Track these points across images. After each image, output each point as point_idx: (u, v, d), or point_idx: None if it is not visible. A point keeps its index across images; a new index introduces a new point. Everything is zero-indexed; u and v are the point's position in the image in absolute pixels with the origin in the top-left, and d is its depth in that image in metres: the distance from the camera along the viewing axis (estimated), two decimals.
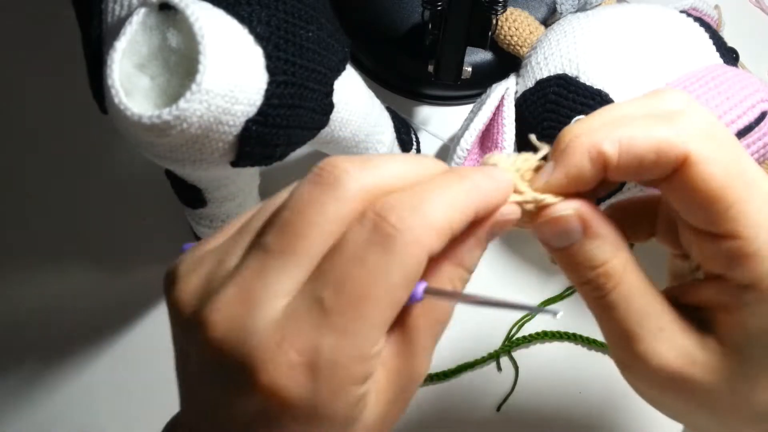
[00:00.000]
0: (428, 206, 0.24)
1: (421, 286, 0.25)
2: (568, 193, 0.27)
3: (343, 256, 0.23)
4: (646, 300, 0.27)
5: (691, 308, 0.28)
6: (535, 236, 0.29)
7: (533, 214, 0.28)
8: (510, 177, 0.27)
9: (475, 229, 0.26)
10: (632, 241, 0.32)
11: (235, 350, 0.23)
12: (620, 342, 0.28)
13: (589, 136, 0.26)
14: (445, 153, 0.63)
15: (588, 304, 0.29)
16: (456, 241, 0.25)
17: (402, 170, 0.25)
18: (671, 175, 0.26)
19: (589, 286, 0.28)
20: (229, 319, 0.23)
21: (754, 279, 0.25)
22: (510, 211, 0.27)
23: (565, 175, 0.27)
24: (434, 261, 0.25)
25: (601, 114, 0.28)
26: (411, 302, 0.25)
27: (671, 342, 0.27)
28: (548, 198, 0.27)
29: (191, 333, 0.24)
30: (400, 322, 0.26)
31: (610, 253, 0.27)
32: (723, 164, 0.25)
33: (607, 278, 0.27)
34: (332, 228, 0.24)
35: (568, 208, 0.27)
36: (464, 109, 0.65)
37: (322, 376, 0.22)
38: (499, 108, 0.52)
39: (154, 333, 0.58)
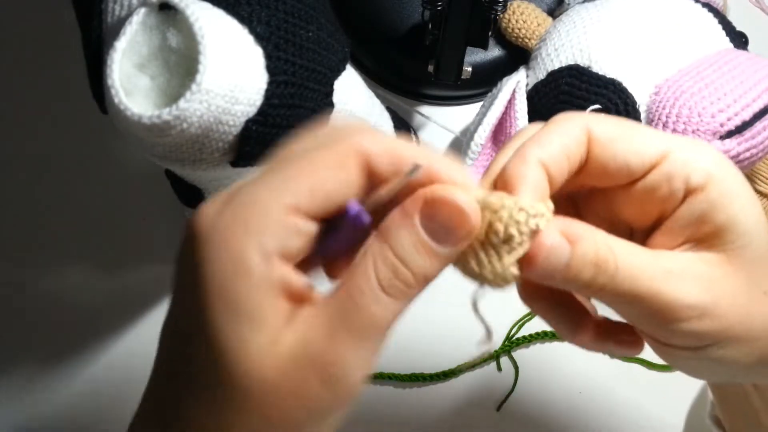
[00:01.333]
0: (379, 131, 0.26)
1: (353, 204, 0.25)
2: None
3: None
4: (641, 256, 0.27)
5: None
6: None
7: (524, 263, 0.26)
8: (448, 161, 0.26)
9: (402, 205, 0.25)
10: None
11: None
12: (649, 308, 0.27)
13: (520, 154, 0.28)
14: (457, 146, 0.63)
15: (602, 299, 0.28)
16: (388, 217, 0.25)
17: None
18: (588, 151, 0.28)
19: (595, 282, 0.27)
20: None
21: (702, 178, 0.27)
22: (443, 191, 0.25)
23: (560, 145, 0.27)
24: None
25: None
26: (351, 216, 0.25)
27: (684, 275, 0.27)
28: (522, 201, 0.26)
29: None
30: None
31: (593, 239, 0.27)
32: (613, 122, 0.28)
33: (605, 263, 0.26)
34: None
35: (552, 235, 0.26)
36: (464, 109, 0.65)
37: (228, 208, 0.24)
38: (511, 102, 0.52)
39: (154, 332, 0.58)
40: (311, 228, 0.25)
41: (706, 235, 0.27)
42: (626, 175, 0.28)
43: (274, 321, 0.24)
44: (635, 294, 0.26)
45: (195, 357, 0.25)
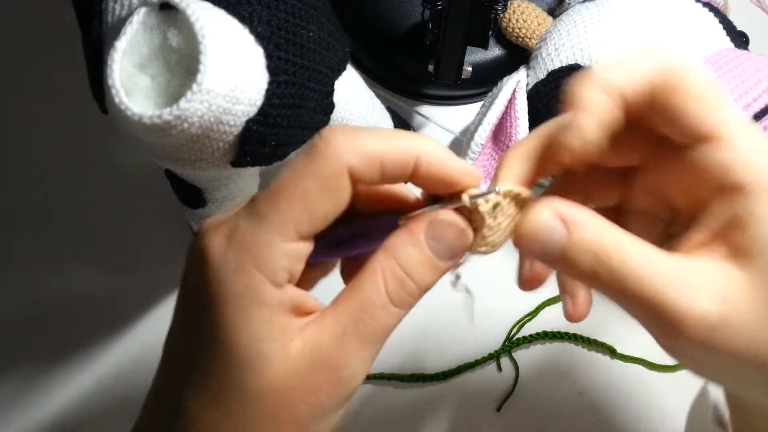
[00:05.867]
0: (360, 133, 0.27)
1: None
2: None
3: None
4: (655, 254, 0.26)
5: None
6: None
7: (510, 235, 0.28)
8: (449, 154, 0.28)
9: (409, 228, 0.28)
10: (600, 204, 0.32)
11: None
12: (651, 309, 0.26)
13: (598, 75, 0.27)
14: (457, 146, 0.63)
15: (606, 295, 0.27)
16: (392, 238, 0.28)
17: (387, 142, 0.27)
18: (656, 97, 0.27)
19: (594, 272, 0.26)
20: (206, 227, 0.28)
21: (750, 178, 0.25)
22: (446, 215, 0.28)
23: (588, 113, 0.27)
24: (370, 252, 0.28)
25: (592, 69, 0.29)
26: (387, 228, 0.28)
27: (700, 287, 0.25)
28: (513, 189, 0.28)
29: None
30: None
31: (597, 227, 0.26)
32: (700, 81, 0.27)
33: (609, 253, 0.26)
34: None
35: (542, 212, 0.26)
36: (465, 109, 0.65)
37: (232, 245, 0.26)
38: (511, 101, 0.52)
39: (154, 332, 0.58)
40: (310, 245, 0.27)
41: (738, 247, 0.26)
42: (689, 134, 0.27)
43: (288, 336, 0.27)
44: (638, 294, 0.26)
45: (206, 372, 0.27)
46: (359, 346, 0.27)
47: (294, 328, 0.27)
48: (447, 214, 0.28)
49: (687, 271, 0.26)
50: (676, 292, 0.25)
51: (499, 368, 0.57)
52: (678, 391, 0.56)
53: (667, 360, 0.57)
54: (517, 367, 0.57)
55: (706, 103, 0.26)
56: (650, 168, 0.30)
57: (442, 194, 0.29)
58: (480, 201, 0.28)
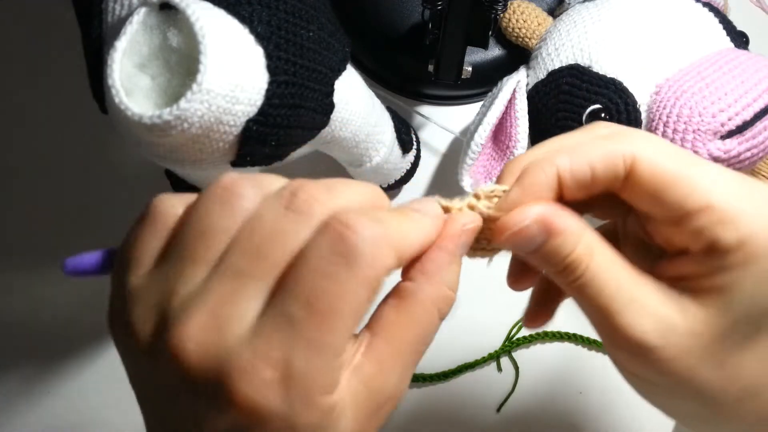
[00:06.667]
0: (389, 223, 0.25)
1: None
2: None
3: (308, 269, 0.24)
4: (618, 274, 0.28)
5: (669, 281, 0.29)
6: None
7: (493, 234, 0.29)
8: (437, 208, 0.29)
9: (445, 247, 0.28)
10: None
11: (210, 373, 0.24)
12: (600, 320, 0.28)
13: (545, 157, 0.29)
14: (457, 146, 0.63)
15: (566, 291, 0.30)
16: (430, 263, 0.27)
17: (365, 197, 0.27)
18: (627, 179, 0.28)
19: (563, 274, 0.28)
20: (202, 345, 0.24)
21: (736, 241, 0.26)
22: (471, 218, 0.29)
23: (522, 191, 0.29)
24: (410, 280, 0.27)
25: (548, 142, 0.31)
26: None
27: (647, 310, 0.27)
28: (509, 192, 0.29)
29: (154, 360, 0.25)
30: (377, 329, 0.27)
31: (573, 243, 0.28)
32: (668, 154, 0.28)
33: (577, 264, 0.28)
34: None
35: (526, 219, 0.28)
36: (465, 109, 0.65)
37: (295, 389, 0.23)
38: (511, 101, 0.52)
39: None
40: None
41: (704, 288, 0.27)
42: (661, 214, 0.28)
43: (347, 391, 0.25)
44: (591, 304, 0.28)
45: None
46: (410, 374, 0.27)
47: (345, 377, 0.25)
48: (466, 218, 0.29)
49: (644, 296, 0.28)
50: (622, 310, 0.27)
51: (499, 368, 0.57)
52: None
53: None
54: (517, 367, 0.57)
55: (675, 183, 0.27)
56: (631, 218, 0.32)
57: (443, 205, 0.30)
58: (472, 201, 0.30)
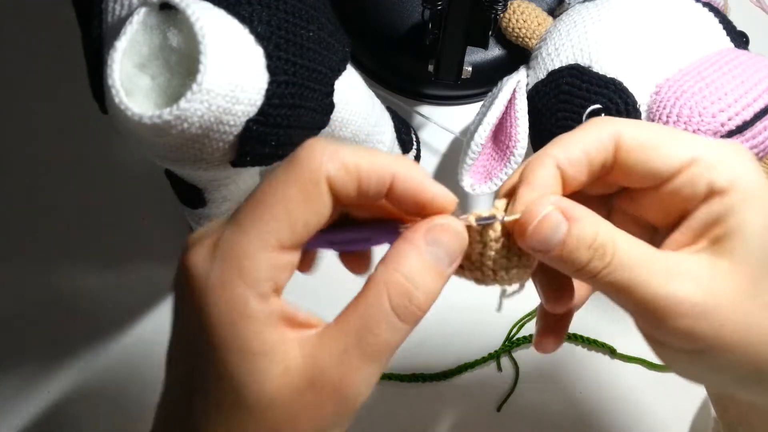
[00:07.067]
0: (340, 146, 0.27)
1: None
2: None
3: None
4: (644, 249, 0.28)
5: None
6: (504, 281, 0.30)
7: (517, 236, 0.29)
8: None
9: (409, 238, 0.27)
10: None
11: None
12: (641, 299, 0.27)
13: (540, 153, 0.30)
14: (457, 146, 0.63)
15: (598, 287, 0.29)
16: (391, 251, 0.27)
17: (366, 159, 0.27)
18: (616, 159, 0.30)
19: (591, 264, 0.28)
20: (191, 244, 0.27)
21: (728, 181, 0.28)
22: (441, 219, 0.28)
23: (530, 188, 0.29)
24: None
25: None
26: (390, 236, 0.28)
27: (685, 275, 0.27)
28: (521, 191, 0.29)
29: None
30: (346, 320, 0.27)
31: (595, 227, 0.28)
32: (648, 127, 0.30)
33: (604, 248, 0.28)
34: None
35: (544, 208, 0.28)
36: (464, 109, 0.65)
37: (218, 257, 0.26)
38: (511, 101, 0.52)
39: (154, 332, 0.58)
40: (296, 256, 0.27)
41: (717, 238, 0.28)
42: (653, 179, 0.29)
43: (282, 348, 0.26)
44: (630, 285, 0.27)
45: (207, 389, 0.26)
46: (362, 364, 0.26)
47: (289, 340, 0.26)
48: (442, 218, 0.28)
49: (674, 263, 0.28)
50: (663, 281, 0.27)
51: (499, 368, 0.57)
52: (678, 391, 0.56)
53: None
54: (517, 367, 0.57)
55: (659, 146, 0.29)
56: (624, 198, 0.33)
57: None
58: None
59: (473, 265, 0.30)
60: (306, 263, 0.31)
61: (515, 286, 0.55)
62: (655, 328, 0.28)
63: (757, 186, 0.28)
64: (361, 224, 0.29)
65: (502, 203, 0.30)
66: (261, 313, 0.26)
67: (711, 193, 0.28)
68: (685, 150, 0.29)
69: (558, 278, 0.32)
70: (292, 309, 0.27)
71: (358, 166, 0.27)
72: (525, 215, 0.28)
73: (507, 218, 0.29)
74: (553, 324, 0.34)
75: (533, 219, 0.28)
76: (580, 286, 0.33)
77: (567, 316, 0.34)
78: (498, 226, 0.29)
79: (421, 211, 0.28)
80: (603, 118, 0.30)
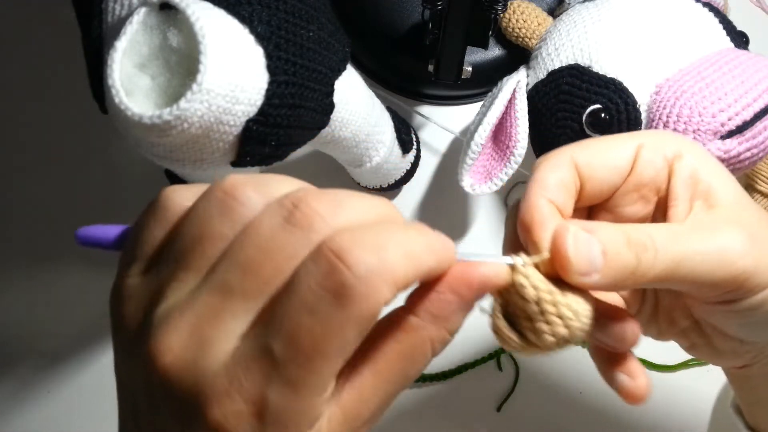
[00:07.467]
0: (387, 253, 0.22)
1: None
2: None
3: (295, 302, 0.22)
4: (670, 226, 0.29)
5: None
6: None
7: (559, 271, 0.27)
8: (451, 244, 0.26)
9: (462, 294, 0.26)
10: None
11: (185, 388, 0.23)
12: (708, 264, 0.28)
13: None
14: (457, 146, 0.63)
15: (656, 282, 0.28)
16: (442, 307, 0.25)
17: (374, 213, 0.25)
18: (581, 177, 0.31)
19: (644, 261, 0.28)
20: (180, 361, 0.23)
21: (676, 150, 0.31)
22: (495, 270, 0.26)
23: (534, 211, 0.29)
24: (415, 315, 0.25)
25: None
26: None
27: (720, 226, 0.29)
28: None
29: (135, 357, 0.24)
30: (366, 355, 0.25)
31: (615, 226, 0.28)
32: (590, 142, 0.32)
33: (639, 239, 0.28)
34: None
35: (567, 230, 0.27)
36: (464, 109, 0.65)
37: (269, 426, 0.22)
38: (511, 101, 0.52)
39: None
40: None
41: (705, 193, 0.30)
42: (617, 176, 0.30)
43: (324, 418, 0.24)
44: (685, 256, 0.28)
45: None
46: (391, 402, 0.25)
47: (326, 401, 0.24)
48: (497, 272, 0.26)
49: (700, 223, 0.29)
50: (709, 237, 0.28)
51: (500, 368, 0.57)
52: (678, 391, 0.56)
53: (667, 360, 0.57)
54: (517, 367, 0.57)
55: (608, 147, 0.31)
56: (602, 209, 0.33)
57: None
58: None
59: (540, 323, 0.27)
60: None
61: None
62: (722, 287, 0.28)
63: (699, 149, 0.31)
64: None
65: (520, 258, 0.27)
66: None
67: (671, 162, 0.30)
68: (628, 142, 0.31)
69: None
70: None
71: (408, 283, 0.24)
72: (555, 246, 0.27)
73: (533, 258, 0.27)
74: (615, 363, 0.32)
75: (566, 245, 0.27)
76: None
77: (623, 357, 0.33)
78: (536, 281, 0.27)
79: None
80: (553, 152, 0.31)
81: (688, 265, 0.28)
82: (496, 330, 0.28)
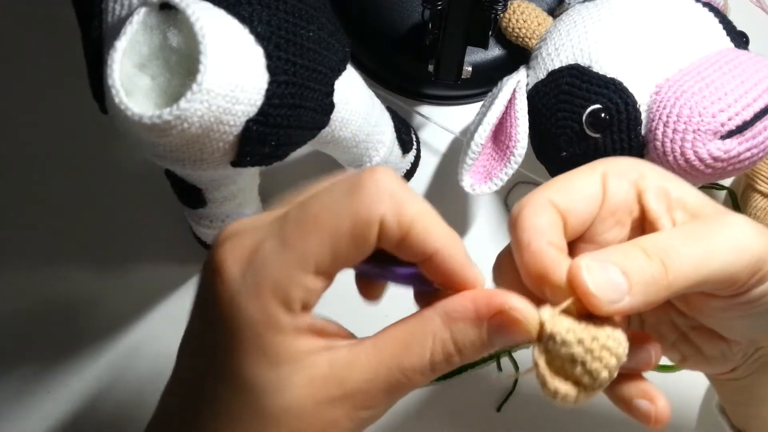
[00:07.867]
0: (407, 194, 0.26)
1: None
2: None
3: (323, 187, 0.26)
4: (678, 229, 0.29)
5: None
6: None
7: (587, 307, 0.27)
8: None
9: (477, 308, 0.27)
10: None
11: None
12: (727, 256, 0.28)
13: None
14: (457, 146, 0.63)
15: (688, 285, 0.28)
16: (454, 304, 0.27)
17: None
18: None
19: (672, 269, 0.27)
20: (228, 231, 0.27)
21: (636, 171, 0.31)
22: (522, 305, 0.27)
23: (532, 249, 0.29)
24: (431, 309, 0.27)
25: None
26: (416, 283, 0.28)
27: (724, 220, 0.29)
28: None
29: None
30: (375, 336, 0.27)
31: (622, 245, 0.28)
32: (556, 180, 0.31)
33: (656, 248, 0.28)
34: None
35: (580, 265, 0.27)
36: (464, 109, 0.65)
37: (252, 268, 0.25)
38: (511, 101, 0.52)
39: (153, 333, 0.58)
40: (329, 282, 0.26)
41: (681, 203, 0.30)
42: (594, 204, 0.31)
43: (309, 359, 0.26)
44: (705, 255, 0.28)
45: (218, 393, 0.26)
46: (385, 397, 0.27)
47: (316, 350, 0.26)
48: (517, 308, 0.27)
49: (703, 223, 0.29)
50: (721, 230, 0.28)
51: (500, 368, 0.57)
52: (677, 391, 0.56)
53: (667, 360, 0.57)
54: (517, 367, 0.57)
55: (573, 179, 0.31)
56: (582, 242, 0.32)
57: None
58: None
59: (591, 362, 0.27)
60: (375, 292, 0.30)
61: None
62: (743, 276, 0.28)
63: (646, 163, 0.31)
64: (389, 264, 0.28)
65: (547, 310, 0.27)
66: (289, 325, 0.26)
67: (636, 184, 0.30)
68: (592, 170, 0.30)
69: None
70: (322, 322, 0.27)
71: (411, 226, 0.26)
72: (575, 285, 0.27)
73: (559, 307, 0.27)
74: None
75: (584, 282, 0.27)
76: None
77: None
78: (570, 325, 0.27)
79: (446, 283, 0.28)
80: (528, 199, 0.30)
81: (714, 259, 0.28)
82: (553, 394, 0.28)
